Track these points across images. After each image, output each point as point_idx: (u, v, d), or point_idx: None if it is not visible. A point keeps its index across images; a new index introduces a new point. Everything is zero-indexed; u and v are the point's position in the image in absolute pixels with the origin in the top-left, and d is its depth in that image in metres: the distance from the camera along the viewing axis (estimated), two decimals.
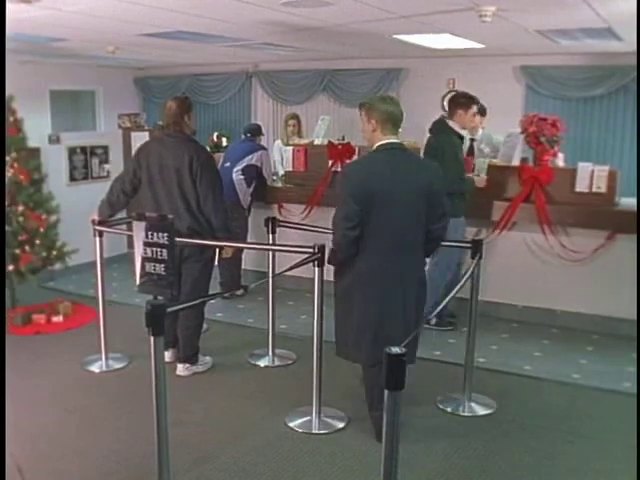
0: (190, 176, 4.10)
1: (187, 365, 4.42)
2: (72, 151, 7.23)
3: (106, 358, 4.57)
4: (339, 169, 5.79)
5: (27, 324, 5.32)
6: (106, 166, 7.70)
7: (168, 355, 4.40)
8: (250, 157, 5.89)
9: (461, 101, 4.94)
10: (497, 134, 5.95)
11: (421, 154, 5.81)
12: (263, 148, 6.12)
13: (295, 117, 7.03)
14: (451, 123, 4.91)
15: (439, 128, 4.94)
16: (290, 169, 6.19)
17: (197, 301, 3.70)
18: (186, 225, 4.11)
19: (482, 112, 5.95)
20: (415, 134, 6.44)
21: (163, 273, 3.45)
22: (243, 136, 6.24)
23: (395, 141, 3.36)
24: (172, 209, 4.10)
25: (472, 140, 6.00)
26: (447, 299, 3.13)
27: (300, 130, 6.99)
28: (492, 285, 4.78)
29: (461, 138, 4.98)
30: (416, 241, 3.39)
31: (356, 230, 3.25)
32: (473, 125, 5.18)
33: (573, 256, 5.07)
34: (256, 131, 6.19)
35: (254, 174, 5.89)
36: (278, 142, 7.04)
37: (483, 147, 5.90)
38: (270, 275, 4.56)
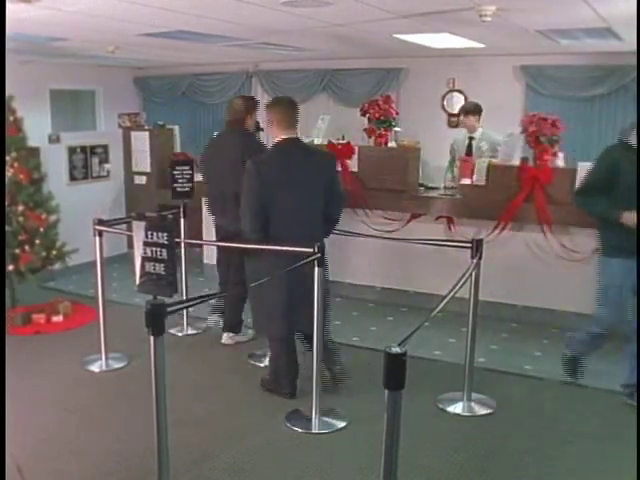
0: (242, 165, 4.35)
1: (231, 334, 4.90)
2: (72, 150, 7.23)
3: (106, 358, 4.57)
4: (339, 168, 5.80)
5: (27, 324, 5.31)
6: (106, 166, 7.70)
7: (226, 337, 4.92)
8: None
9: None
10: (497, 134, 5.95)
11: (420, 154, 5.85)
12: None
13: None
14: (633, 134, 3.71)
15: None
16: None
17: (197, 301, 3.70)
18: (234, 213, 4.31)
19: (478, 111, 5.95)
20: (415, 134, 6.45)
21: (163, 273, 3.44)
22: None
23: (292, 136, 3.84)
24: (226, 195, 4.50)
25: (471, 139, 6.01)
26: (447, 299, 3.12)
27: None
28: (492, 285, 4.77)
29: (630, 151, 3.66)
30: (316, 229, 3.88)
31: (263, 216, 3.74)
32: None
33: (573, 256, 5.07)
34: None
35: None
36: None
37: (482, 145, 5.90)
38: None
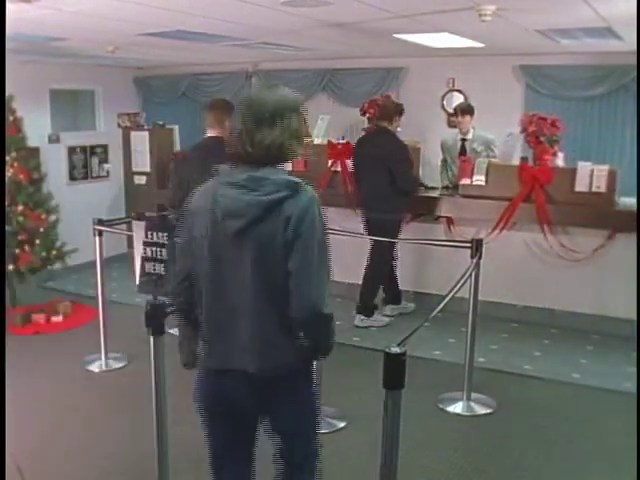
0: (384, 162, 5.07)
1: (362, 317, 5.33)
2: (72, 150, 7.23)
3: (106, 358, 4.57)
4: (339, 168, 5.81)
5: (27, 324, 5.32)
6: (106, 165, 7.70)
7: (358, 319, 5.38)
8: None
9: None
10: (489, 132, 5.94)
11: (421, 154, 5.85)
12: None
13: None
14: None
15: None
16: (290, 169, 6.18)
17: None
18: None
19: (472, 111, 5.93)
20: (415, 134, 6.45)
21: (163, 273, 3.45)
22: None
23: (212, 134, 4.13)
24: (372, 190, 5.21)
25: (463, 140, 5.99)
26: (447, 299, 3.12)
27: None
28: (492, 285, 4.78)
29: None
30: None
31: (182, 200, 3.92)
32: None
33: (573, 256, 5.07)
34: None
35: None
36: None
37: (476, 146, 5.88)
38: None
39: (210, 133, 4.19)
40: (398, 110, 5.27)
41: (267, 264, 1.89)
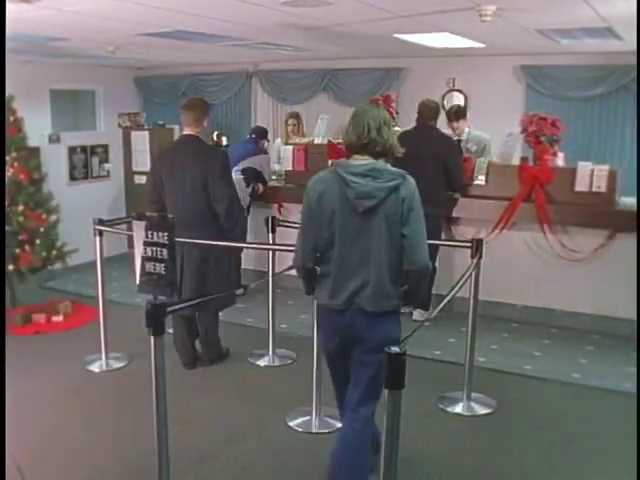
0: (440, 159, 5.05)
1: (421, 311, 5.25)
2: (72, 150, 7.23)
3: (106, 358, 4.57)
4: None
5: (27, 324, 5.32)
6: (106, 165, 7.70)
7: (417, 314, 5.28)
8: (250, 159, 5.93)
9: None
10: (497, 133, 5.93)
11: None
12: (265, 152, 6.21)
13: (295, 116, 7.06)
14: None
15: None
16: (290, 168, 6.20)
17: (197, 301, 3.70)
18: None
19: (464, 114, 5.93)
20: None
21: (163, 273, 3.45)
22: (248, 136, 6.33)
23: (187, 133, 4.31)
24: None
25: (458, 141, 5.99)
26: (447, 299, 3.11)
27: (301, 129, 7.01)
28: (492, 285, 4.78)
29: None
30: (201, 218, 4.18)
31: (155, 203, 4.30)
32: None
33: (573, 256, 5.07)
34: (260, 134, 6.29)
35: (253, 175, 5.92)
36: (278, 141, 7.06)
37: (471, 146, 5.88)
38: (270, 274, 4.56)
39: (187, 131, 4.33)
40: (438, 110, 5.46)
41: (386, 232, 2.57)
